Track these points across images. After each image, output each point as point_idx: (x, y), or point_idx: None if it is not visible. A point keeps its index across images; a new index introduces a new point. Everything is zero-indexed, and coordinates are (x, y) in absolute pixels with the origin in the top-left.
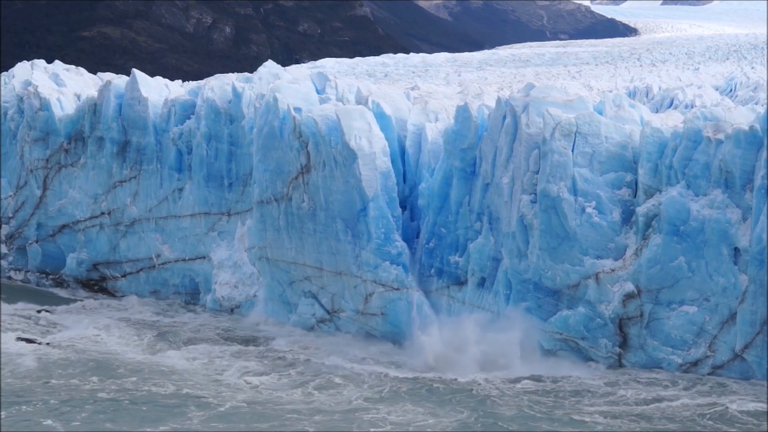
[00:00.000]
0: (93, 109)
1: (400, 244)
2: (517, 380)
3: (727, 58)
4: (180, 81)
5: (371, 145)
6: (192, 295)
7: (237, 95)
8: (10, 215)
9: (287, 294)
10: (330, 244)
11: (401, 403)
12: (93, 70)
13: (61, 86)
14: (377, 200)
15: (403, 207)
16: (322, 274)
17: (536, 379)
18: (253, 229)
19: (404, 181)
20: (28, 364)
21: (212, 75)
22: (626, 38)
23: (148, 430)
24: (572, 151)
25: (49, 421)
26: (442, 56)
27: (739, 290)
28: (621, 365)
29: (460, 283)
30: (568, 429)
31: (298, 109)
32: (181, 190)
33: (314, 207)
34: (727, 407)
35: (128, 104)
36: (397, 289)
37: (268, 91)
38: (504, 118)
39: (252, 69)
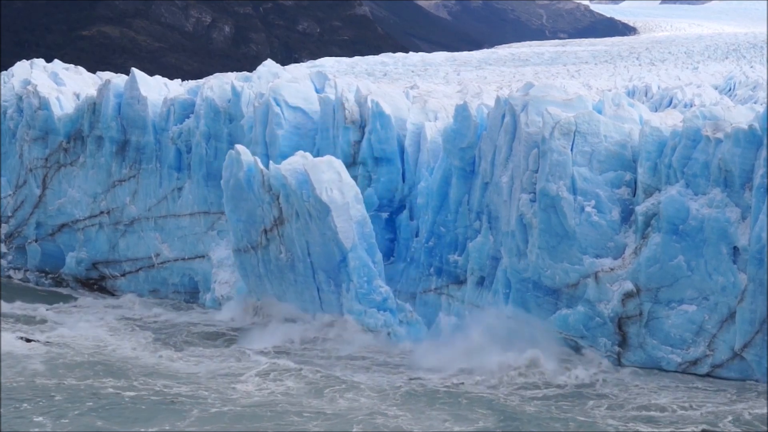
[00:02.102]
0: (92, 108)
1: (384, 289)
2: (525, 382)
3: (726, 57)
4: (179, 80)
5: (343, 195)
6: (191, 294)
7: (236, 94)
8: (10, 214)
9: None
10: (312, 293)
11: (419, 407)
12: (92, 69)
13: (61, 85)
14: (356, 250)
15: (403, 206)
16: (308, 318)
17: (541, 379)
18: (237, 274)
19: (403, 181)
20: (28, 363)
21: (211, 74)
22: (625, 37)
23: (141, 429)
24: (571, 150)
25: (41, 419)
26: (442, 55)
27: (738, 289)
28: (620, 364)
29: (460, 282)
30: (585, 430)
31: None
32: (180, 189)
33: (292, 258)
34: (740, 410)
35: (127, 103)
36: (388, 334)
37: (234, 150)
38: (503, 117)
39: (251, 68)
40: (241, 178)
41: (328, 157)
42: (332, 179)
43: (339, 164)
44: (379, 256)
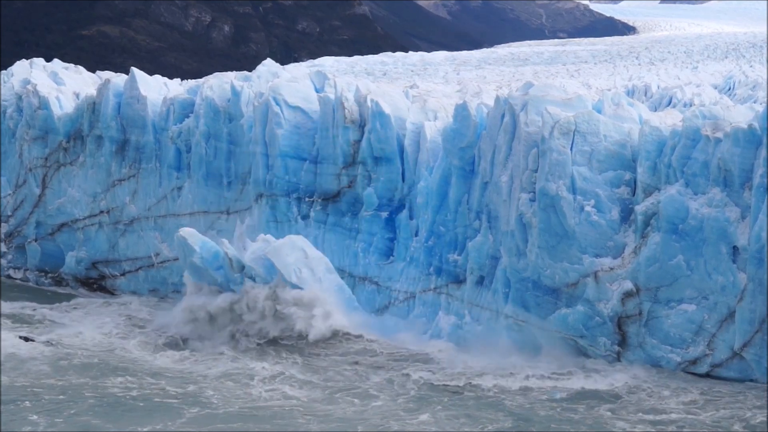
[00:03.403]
0: (92, 108)
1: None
2: (530, 383)
3: (726, 57)
4: (179, 80)
5: (313, 272)
6: None
7: (236, 94)
8: (9, 214)
9: None
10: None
11: (433, 408)
12: (92, 69)
13: (60, 85)
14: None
15: (402, 205)
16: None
17: (545, 380)
18: None
19: (403, 180)
20: (27, 363)
21: (211, 74)
22: (625, 37)
23: (138, 429)
24: (571, 149)
25: (35, 417)
26: (441, 55)
27: (737, 289)
28: (620, 364)
29: (459, 281)
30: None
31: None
32: (180, 188)
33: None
34: (749, 415)
35: (127, 103)
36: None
37: (179, 235)
38: (503, 116)
39: (251, 67)
40: (197, 261)
41: (288, 238)
42: (298, 259)
43: (302, 241)
44: (365, 314)
